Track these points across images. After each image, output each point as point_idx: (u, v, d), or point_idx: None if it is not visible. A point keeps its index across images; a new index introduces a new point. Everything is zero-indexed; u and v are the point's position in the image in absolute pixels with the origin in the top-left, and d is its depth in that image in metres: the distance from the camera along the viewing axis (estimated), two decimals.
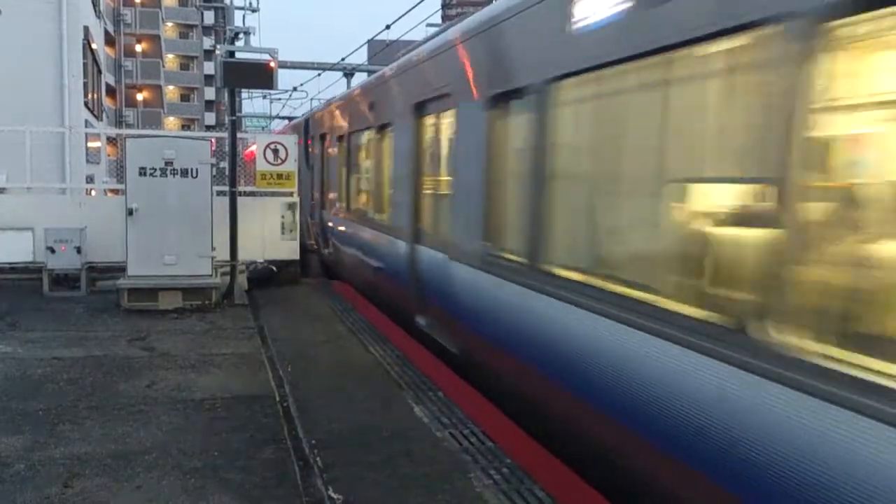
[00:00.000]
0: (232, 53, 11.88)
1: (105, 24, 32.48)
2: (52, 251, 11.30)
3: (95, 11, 24.62)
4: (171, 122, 70.50)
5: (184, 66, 77.15)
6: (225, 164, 12.54)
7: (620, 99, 4.75)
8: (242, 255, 11.70)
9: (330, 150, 14.20)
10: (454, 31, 7.65)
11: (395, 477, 4.88)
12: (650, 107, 4.42)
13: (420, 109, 8.41)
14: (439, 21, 25.40)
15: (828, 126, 3.12)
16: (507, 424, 5.90)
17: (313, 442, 5.47)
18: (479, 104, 6.47)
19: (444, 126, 7.77)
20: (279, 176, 12.67)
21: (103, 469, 4.94)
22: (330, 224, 13.98)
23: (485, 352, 6.42)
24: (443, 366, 7.53)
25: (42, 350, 8.06)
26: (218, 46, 13.29)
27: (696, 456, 3.56)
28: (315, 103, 30.26)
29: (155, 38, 63.96)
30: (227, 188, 11.81)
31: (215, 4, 22.24)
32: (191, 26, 75.68)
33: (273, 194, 12.95)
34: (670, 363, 3.75)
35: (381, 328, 9.42)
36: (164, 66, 66.43)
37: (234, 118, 12.21)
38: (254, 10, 19.78)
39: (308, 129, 17.35)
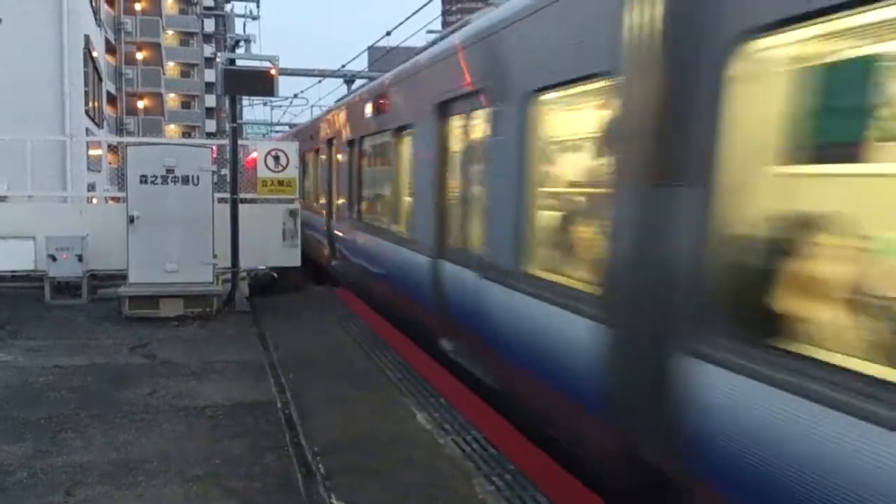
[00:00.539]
0: (233, 61, 11.90)
1: (106, 32, 32.57)
2: (54, 259, 11.31)
3: (96, 20, 24.69)
4: (172, 130, 70.58)
5: (184, 74, 77.28)
6: (226, 172, 12.55)
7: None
8: (244, 262, 11.70)
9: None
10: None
11: (398, 484, 4.87)
12: None
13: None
14: (439, 27, 25.41)
15: None
16: (509, 431, 5.88)
17: (315, 449, 5.46)
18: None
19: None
20: (280, 182, 12.66)
21: (105, 477, 4.94)
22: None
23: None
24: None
25: (44, 358, 8.06)
26: (219, 54, 13.34)
27: None
28: (316, 111, 30.36)
29: (155, 47, 64.08)
30: (228, 195, 11.82)
31: (216, 12, 22.32)
32: (191, 34, 75.82)
33: (274, 201, 12.96)
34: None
35: (383, 335, 9.40)
36: (164, 74, 66.53)
37: (234, 125, 12.24)
38: (254, 18, 19.88)
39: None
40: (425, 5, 16.11)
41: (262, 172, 12.55)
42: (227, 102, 13.02)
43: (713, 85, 3.50)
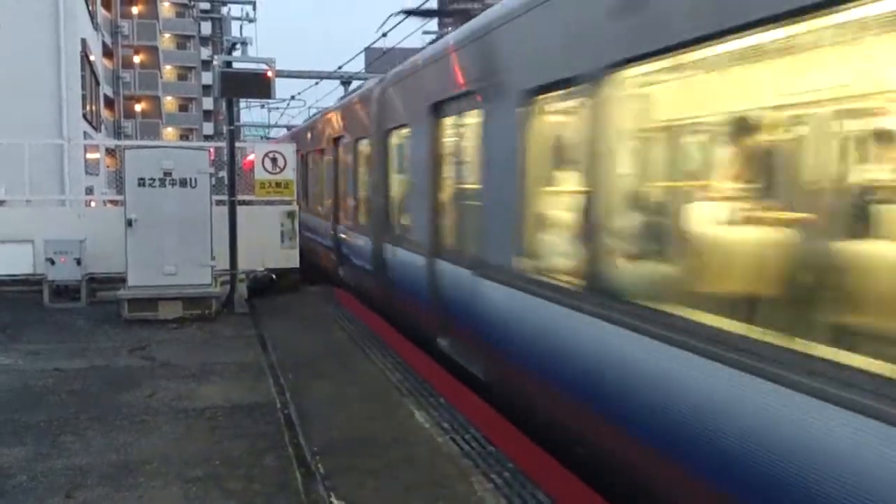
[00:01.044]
0: (229, 64, 11.92)
1: (103, 36, 32.57)
2: (53, 263, 11.32)
3: (93, 24, 24.69)
4: (170, 133, 70.59)
5: (182, 77, 77.31)
6: (224, 174, 12.57)
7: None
8: (242, 264, 11.71)
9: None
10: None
11: (397, 483, 4.89)
12: None
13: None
14: (436, 29, 25.45)
15: None
16: (508, 429, 5.90)
17: (315, 449, 5.47)
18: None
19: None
20: (278, 184, 12.69)
21: (105, 479, 4.95)
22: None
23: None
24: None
25: (43, 361, 8.08)
26: (215, 57, 13.34)
27: None
28: (313, 111, 30.38)
29: (153, 50, 64.10)
30: (226, 197, 11.84)
31: (213, 15, 22.38)
32: (188, 37, 75.88)
33: (272, 203, 12.98)
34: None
35: (381, 335, 9.41)
36: (161, 77, 66.55)
37: (231, 128, 12.27)
38: (251, 21, 19.91)
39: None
40: (422, 5, 16.14)
41: (260, 174, 12.58)
42: (224, 105, 13.02)
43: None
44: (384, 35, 19.33)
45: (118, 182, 12.83)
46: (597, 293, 4.64)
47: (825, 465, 2.91)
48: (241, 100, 29.84)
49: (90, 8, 23.59)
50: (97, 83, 26.19)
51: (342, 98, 17.51)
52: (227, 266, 11.42)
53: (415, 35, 20.52)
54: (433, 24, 23.17)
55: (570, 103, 5.27)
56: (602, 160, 4.70)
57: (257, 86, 11.45)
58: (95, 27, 26.08)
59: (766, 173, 3.87)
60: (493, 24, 6.45)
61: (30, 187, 12.73)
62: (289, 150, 12.94)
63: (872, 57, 3.11)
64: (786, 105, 3.70)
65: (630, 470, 4.40)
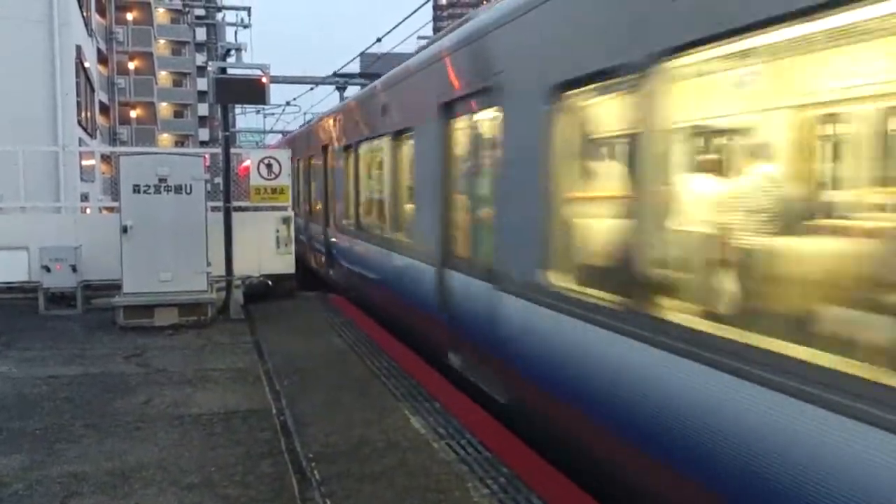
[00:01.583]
0: (224, 70, 11.93)
1: (97, 42, 32.59)
2: (48, 270, 11.31)
3: (87, 30, 24.71)
4: (165, 139, 70.60)
5: (177, 83, 77.33)
6: (220, 180, 12.58)
7: None
8: (238, 270, 11.72)
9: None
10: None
11: (393, 488, 4.89)
12: None
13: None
14: (430, 33, 25.51)
15: None
16: (503, 433, 5.91)
17: (310, 455, 5.48)
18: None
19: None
20: (273, 190, 12.72)
21: (101, 487, 4.95)
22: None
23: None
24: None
25: (39, 369, 8.07)
26: (210, 63, 13.35)
27: None
28: (308, 117, 30.40)
29: (148, 56, 64.10)
30: (221, 204, 11.84)
31: (207, 21, 22.38)
32: (183, 43, 75.90)
33: (268, 209, 12.99)
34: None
35: (377, 341, 9.41)
36: (157, 84, 66.56)
37: (227, 134, 12.30)
38: (245, 27, 19.88)
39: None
40: (416, 11, 16.16)
41: (255, 180, 12.61)
42: (219, 111, 13.03)
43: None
44: (378, 40, 19.38)
45: (114, 189, 12.81)
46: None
47: None
48: (237, 105, 29.94)
49: (84, 14, 23.61)
50: (92, 90, 26.19)
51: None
52: (222, 272, 11.42)
53: (409, 40, 20.55)
54: (428, 28, 23.17)
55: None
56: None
57: (252, 92, 11.47)
58: (90, 33, 26.09)
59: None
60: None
61: (25, 194, 12.71)
62: (284, 156, 12.97)
63: None
64: None
65: None
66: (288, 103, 33.66)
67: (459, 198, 7.41)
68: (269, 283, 12.74)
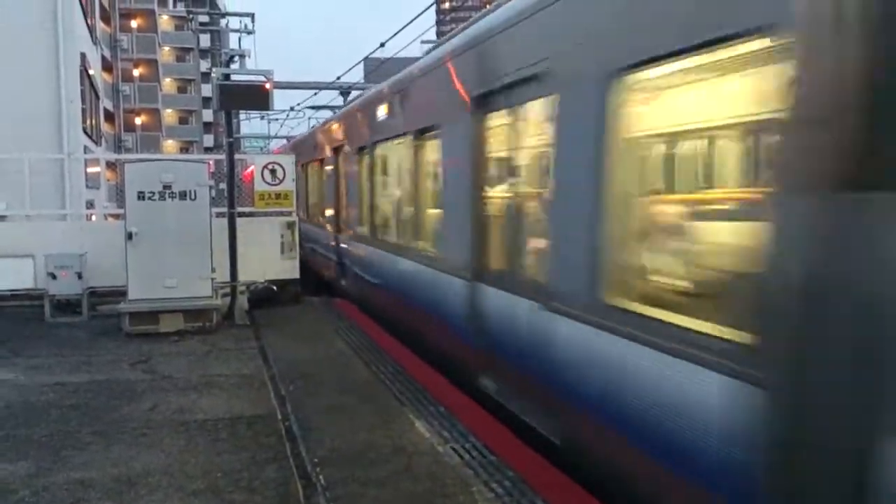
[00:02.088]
0: (227, 76, 11.97)
1: (102, 49, 32.71)
2: (54, 277, 11.36)
3: (92, 38, 24.80)
4: (170, 145, 70.77)
5: (181, 90, 77.52)
6: (224, 186, 12.62)
7: None
8: (243, 276, 11.74)
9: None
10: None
11: (398, 493, 4.89)
12: None
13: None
14: (434, 37, 25.57)
15: None
16: (508, 437, 5.91)
17: (315, 460, 5.48)
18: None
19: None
20: (277, 196, 12.75)
21: (107, 493, 4.97)
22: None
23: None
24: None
25: (45, 376, 8.09)
26: (214, 70, 13.40)
27: None
28: (313, 122, 30.50)
29: (152, 63, 64.36)
30: (226, 209, 11.88)
31: (211, 28, 22.53)
32: (187, 50, 76.12)
33: (272, 214, 13.02)
34: None
35: (382, 345, 9.42)
36: (161, 90, 66.77)
37: (231, 140, 12.33)
38: (249, 33, 19.98)
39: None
40: (419, 15, 16.20)
41: (260, 186, 12.64)
42: (223, 117, 13.08)
43: None
44: (382, 45, 19.42)
45: (119, 196, 12.85)
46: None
47: None
48: (241, 111, 30.02)
49: (89, 22, 23.71)
50: (97, 97, 26.29)
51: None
52: (227, 278, 11.45)
53: (412, 45, 20.62)
54: (431, 33, 23.24)
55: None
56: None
57: (255, 98, 11.52)
58: (94, 41, 26.20)
59: None
60: None
61: (30, 202, 12.77)
62: (287, 162, 13.01)
63: None
64: None
65: None
66: (292, 108, 33.76)
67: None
68: (274, 288, 12.77)
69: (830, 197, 2.86)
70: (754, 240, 3.31)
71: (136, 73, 62.07)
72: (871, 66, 2.73)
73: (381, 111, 10.76)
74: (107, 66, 41.06)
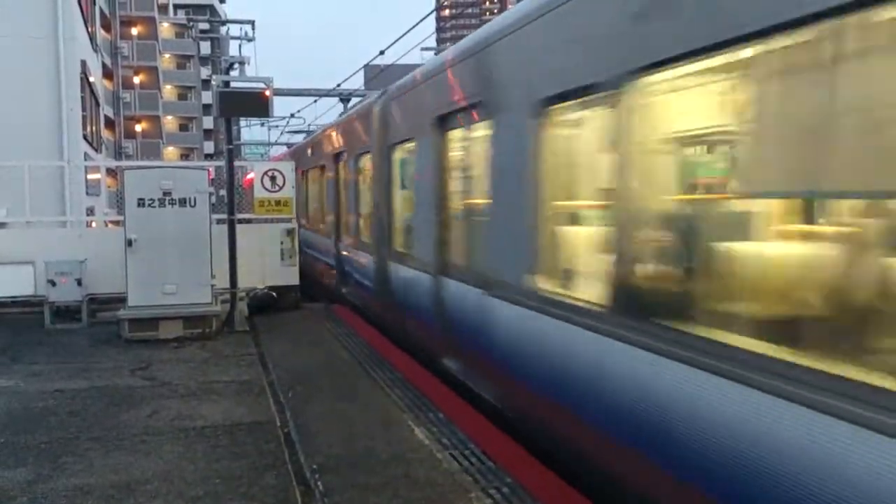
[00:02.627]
0: (228, 83, 12.00)
1: (102, 57, 32.78)
2: (53, 284, 11.36)
3: (92, 45, 24.85)
4: (171, 152, 70.84)
5: (182, 97, 77.67)
6: (225, 192, 12.64)
7: None
8: (242, 282, 11.75)
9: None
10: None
11: (396, 499, 4.90)
12: None
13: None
14: (434, 45, 25.67)
15: None
16: (507, 443, 5.91)
17: (314, 467, 5.49)
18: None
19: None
20: (277, 202, 12.77)
21: (106, 500, 4.97)
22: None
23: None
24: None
25: (44, 383, 8.10)
26: (214, 77, 13.44)
27: None
28: (312, 129, 30.52)
29: (153, 70, 64.43)
30: (226, 216, 11.90)
31: (212, 35, 22.62)
32: (188, 57, 76.28)
33: (272, 221, 13.04)
34: None
35: (381, 351, 9.43)
36: (162, 97, 66.85)
37: (230, 147, 12.35)
38: (249, 40, 19.97)
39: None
40: (419, 23, 16.26)
41: (259, 192, 12.67)
42: (223, 124, 13.11)
43: None
44: (382, 52, 19.47)
45: (119, 202, 12.87)
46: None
47: None
48: (241, 118, 30.07)
49: (89, 29, 23.76)
50: (97, 104, 26.33)
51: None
52: (227, 284, 11.46)
53: (413, 52, 20.64)
54: (432, 40, 23.30)
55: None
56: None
57: (255, 105, 11.54)
58: (95, 48, 26.25)
59: None
60: None
61: (30, 209, 12.79)
62: (287, 168, 13.03)
63: None
64: None
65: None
66: (292, 115, 33.79)
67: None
68: (274, 294, 12.78)
69: None
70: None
71: (136, 80, 62.12)
72: None
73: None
74: (107, 74, 41.14)
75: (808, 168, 3.37)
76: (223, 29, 22.65)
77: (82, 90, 19.77)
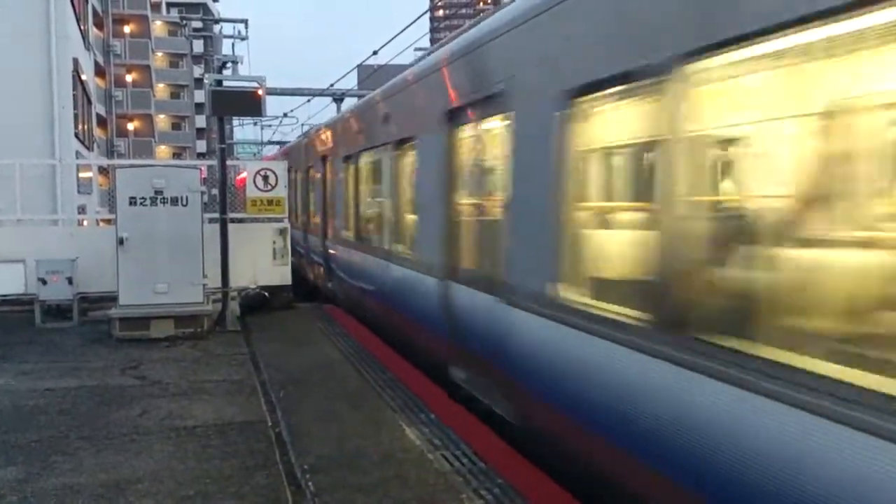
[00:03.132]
0: (220, 82, 11.98)
1: (95, 55, 32.69)
2: (44, 282, 11.31)
3: (85, 43, 24.79)
4: (163, 151, 70.66)
5: (174, 95, 77.48)
6: (217, 191, 12.62)
7: None
8: (234, 282, 11.73)
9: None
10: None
11: (387, 500, 4.90)
12: None
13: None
14: (428, 44, 25.68)
15: None
16: (498, 444, 5.92)
17: (305, 467, 5.48)
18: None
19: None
20: (269, 202, 12.76)
21: (96, 499, 4.95)
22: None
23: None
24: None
25: (34, 381, 8.07)
26: (207, 76, 13.41)
27: None
28: (306, 129, 30.52)
29: (145, 69, 64.20)
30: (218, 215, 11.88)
31: (205, 34, 22.51)
32: (181, 55, 76.05)
33: (264, 220, 13.02)
34: None
35: (373, 352, 9.42)
36: (154, 96, 66.65)
37: (223, 146, 12.32)
38: (242, 39, 19.93)
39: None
40: (412, 23, 16.26)
41: (252, 192, 12.65)
42: (216, 123, 13.09)
43: None
44: (375, 53, 19.47)
45: (111, 201, 12.83)
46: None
47: None
48: (234, 117, 30.02)
49: (82, 28, 23.70)
50: (89, 102, 26.25)
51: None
52: (218, 284, 11.44)
53: (406, 53, 20.69)
54: (425, 40, 23.32)
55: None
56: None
57: (247, 104, 11.55)
58: (87, 47, 26.18)
59: None
60: None
61: (22, 207, 12.74)
62: (280, 168, 13.02)
63: None
64: None
65: None
66: (285, 115, 33.79)
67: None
68: (266, 294, 12.76)
69: None
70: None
71: (128, 78, 61.92)
72: None
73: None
74: (99, 72, 41.01)
75: None
76: (216, 27, 22.54)
77: (74, 88, 19.73)
